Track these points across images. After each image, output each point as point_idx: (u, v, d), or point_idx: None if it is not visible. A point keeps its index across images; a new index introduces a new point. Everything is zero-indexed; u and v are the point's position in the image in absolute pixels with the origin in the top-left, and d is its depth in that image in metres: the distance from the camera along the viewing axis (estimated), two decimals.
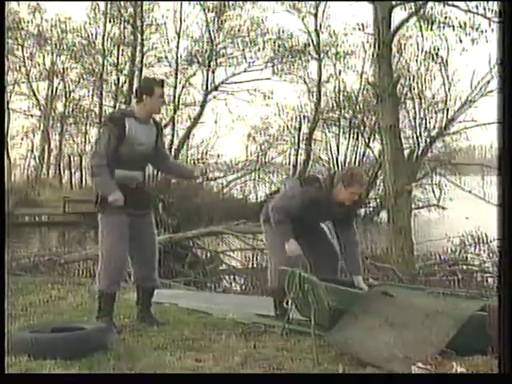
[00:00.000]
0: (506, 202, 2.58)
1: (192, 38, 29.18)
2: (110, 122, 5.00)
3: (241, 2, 28.20)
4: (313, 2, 28.62)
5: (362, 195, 5.27)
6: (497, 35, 8.59)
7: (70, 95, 33.02)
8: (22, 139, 33.48)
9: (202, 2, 28.27)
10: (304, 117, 29.05)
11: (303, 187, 5.19)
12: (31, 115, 33.27)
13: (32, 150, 33.95)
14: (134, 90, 5.23)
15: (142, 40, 28.92)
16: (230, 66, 29.37)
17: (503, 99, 2.64)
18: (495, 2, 9.70)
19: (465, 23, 10.93)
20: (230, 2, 28.13)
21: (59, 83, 33.44)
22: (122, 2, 28.71)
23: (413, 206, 13.37)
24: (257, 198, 28.65)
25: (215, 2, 28.16)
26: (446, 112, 16.95)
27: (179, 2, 28.76)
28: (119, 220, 4.94)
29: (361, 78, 27.26)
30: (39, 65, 32.58)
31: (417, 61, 20.19)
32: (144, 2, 28.53)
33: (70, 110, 33.02)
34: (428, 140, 16.31)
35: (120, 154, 4.91)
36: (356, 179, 5.04)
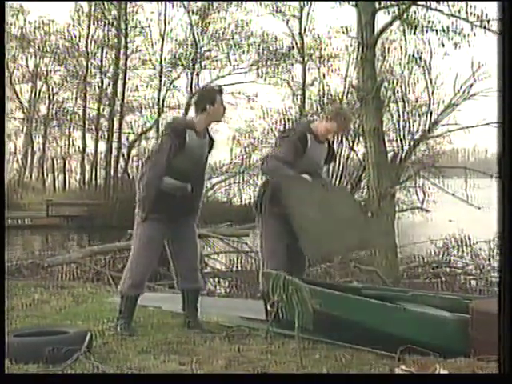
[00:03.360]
0: (506, 204, 2.59)
1: (176, 40, 29.24)
2: (173, 133, 4.89)
3: (225, 5, 28.22)
4: (297, 5, 28.73)
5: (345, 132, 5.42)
6: (497, 36, 8.66)
7: (53, 98, 32.93)
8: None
9: (185, 5, 28.26)
10: (288, 120, 29.10)
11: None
12: (14, 118, 33.12)
13: (15, 153, 33.79)
14: (194, 102, 5.13)
15: (126, 42, 28.89)
16: (214, 68, 29.46)
17: (503, 100, 2.64)
18: (477, 7, 9.79)
19: (447, 27, 11.00)
20: (214, 5, 28.14)
21: (42, 86, 33.34)
22: (105, 5, 28.64)
23: (396, 208, 13.41)
24: (241, 201, 28.66)
25: (199, 5, 28.17)
26: (429, 115, 17.07)
27: (163, 5, 28.76)
28: (155, 225, 4.89)
29: (345, 81, 27.36)
30: (22, 67, 32.49)
31: (400, 64, 20.31)
32: (128, 5, 28.47)
33: (54, 112, 32.94)
34: (412, 143, 16.41)
35: (174, 163, 4.84)
36: (337, 118, 5.17)
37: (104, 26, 29.31)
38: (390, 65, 21.12)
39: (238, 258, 11.28)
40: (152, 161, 4.92)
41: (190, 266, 5.11)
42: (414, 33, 11.75)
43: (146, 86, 30.30)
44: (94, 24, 29.71)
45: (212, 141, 5.16)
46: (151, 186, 4.84)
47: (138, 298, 5.05)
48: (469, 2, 9.84)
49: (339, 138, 27.37)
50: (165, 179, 4.85)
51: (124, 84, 29.44)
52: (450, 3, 9.94)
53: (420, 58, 17.00)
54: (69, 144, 34.60)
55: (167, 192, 4.87)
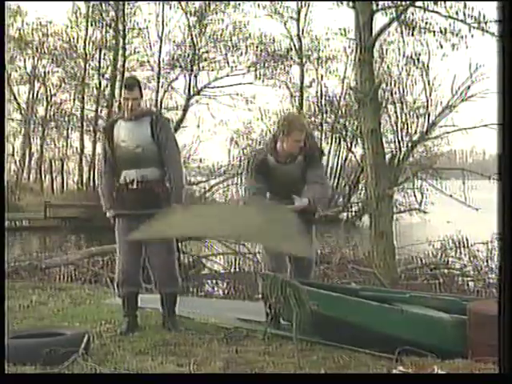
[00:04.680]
0: (506, 204, 2.60)
1: (174, 42, 29.19)
2: (102, 131, 5.32)
3: (222, 6, 28.21)
4: (295, 7, 28.75)
5: (308, 141, 5.15)
6: (496, 37, 8.66)
7: (51, 99, 32.88)
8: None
9: (183, 6, 28.24)
10: None
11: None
12: (12, 119, 33.05)
13: (13, 155, 33.71)
14: None
15: (124, 44, 28.86)
16: (212, 70, 29.39)
17: (503, 101, 2.64)
18: (475, 8, 9.78)
19: (445, 29, 10.99)
20: (212, 7, 28.12)
21: (40, 87, 33.30)
22: (103, 6, 28.63)
23: (394, 210, 13.40)
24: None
25: (197, 6, 28.15)
26: (427, 117, 17.02)
27: (161, 6, 28.75)
28: (123, 223, 4.98)
29: (343, 82, 27.42)
30: (20, 68, 32.45)
31: (398, 66, 20.31)
32: (126, 6, 28.46)
33: (52, 114, 32.89)
34: (409, 144, 16.37)
35: (117, 156, 4.99)
36: (294, 126, 5.03)
37: (102, 27, 29.28)
38: (387, 66, 21.13)
39: (235, 260, 11.27)
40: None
41: (166, 270, 5.03)
42: (412, 34, 11.76)
43: (144, 88, 30.22)
44: (91, 25, 29.68)
45: (153, 122, 4.96)
46: (100, 184, 5.15)
47: (131, 297, 5.05)
48: (466, 4, 9.82)
49: (338, 141, 27.50)
50: (122, 173, 4.98)
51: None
52: (448, 5, 9.93)
53: (418, 59, 17.01)
54: (67, 145, 34.57)
55: (122, 184, 4.97)
